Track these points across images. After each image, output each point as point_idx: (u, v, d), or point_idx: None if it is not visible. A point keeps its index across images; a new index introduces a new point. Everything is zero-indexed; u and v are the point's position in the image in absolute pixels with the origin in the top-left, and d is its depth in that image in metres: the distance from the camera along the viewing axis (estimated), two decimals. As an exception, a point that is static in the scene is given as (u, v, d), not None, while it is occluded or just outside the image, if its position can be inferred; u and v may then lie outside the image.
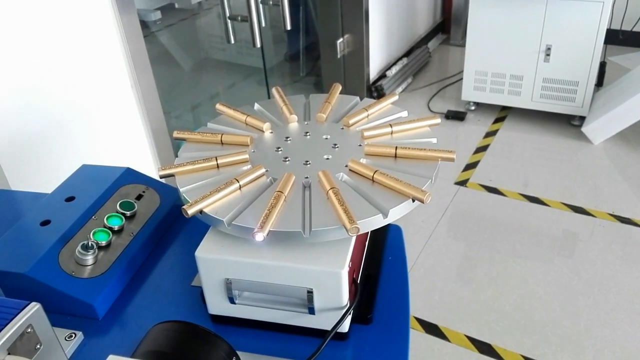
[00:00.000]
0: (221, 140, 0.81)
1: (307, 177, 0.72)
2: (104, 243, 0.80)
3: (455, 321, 1.82)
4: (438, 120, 0.83)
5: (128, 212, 0.85)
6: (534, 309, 1.85)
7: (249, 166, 0.75)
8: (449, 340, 1.76)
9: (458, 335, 1.78)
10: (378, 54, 3.18)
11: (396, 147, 0.75)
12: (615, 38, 3.14)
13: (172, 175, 0.74)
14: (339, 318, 0.67)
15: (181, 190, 0.71)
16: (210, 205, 0.68)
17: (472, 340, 1.76)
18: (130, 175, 0.91)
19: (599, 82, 2.95)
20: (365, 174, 0.71)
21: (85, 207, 0.83)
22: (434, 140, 0.80)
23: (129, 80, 1.60)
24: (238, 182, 0.70)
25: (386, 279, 0.79)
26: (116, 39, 1.54)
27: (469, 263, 2.07)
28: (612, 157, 2.65)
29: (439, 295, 1.93)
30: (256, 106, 0.91)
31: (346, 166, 0.73)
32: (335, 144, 0.79)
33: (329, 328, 0.68)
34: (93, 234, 0.79)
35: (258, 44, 1.71)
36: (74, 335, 0.72)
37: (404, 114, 0.87)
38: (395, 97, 0.89)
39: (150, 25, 2.99)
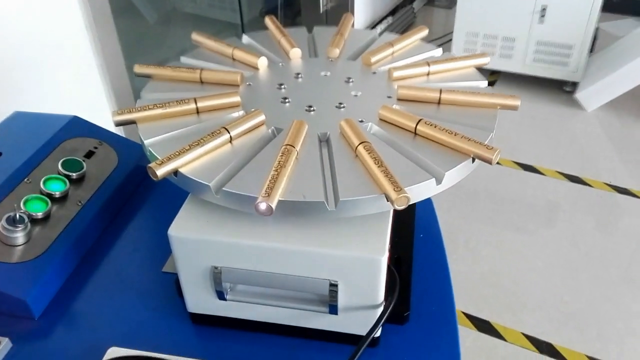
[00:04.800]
0: (200, 78, 0.60)
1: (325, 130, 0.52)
2: (40, 215, 0.62)
3: (450, 299, 1.69)
4: (487, 59, 0.64)
5: (74, 174, 0.67)
6: (534, 283, 1.73)
7: (242, 112, 0.55)
8: (444, 320, 1.63)
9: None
10: (362, 10, 2.97)
11: (440, 90, 0.56)
12: (609, 2, 3.01)
13: (132, 122, 0.53)
14: (368, 318, 0.49)
15: (146, 142, 0.51)
16: (189, 164, 0.48)
17: (470, 318, 1.64)
18: (77, 126, 0.70)
19: (591, 49, 2.83)
20: (405, 124, 0.52)
21: (14, 167, 0.64)
22: (484, 84, 0.61)
23: (82, 21, 1.35)
24: (228, 132, 0.50)
25: (420, 263, 0.61)
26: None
27: (464, 236, 1.93)
28: (605, 125, 2.55)
29: (432, 271, 1.79)
30: (245, 38, 0.70)
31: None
32: (356, 86, 0.60)
33: (354, 331, 0.51)
34: (24, 203, 0.61)
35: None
36: (-4, 344, 0.52)
37: (438, 52, 0.67)
38: (425, 32, 0.70)
39: (110, -29, 2.69)
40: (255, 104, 0.57)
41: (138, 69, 0.62)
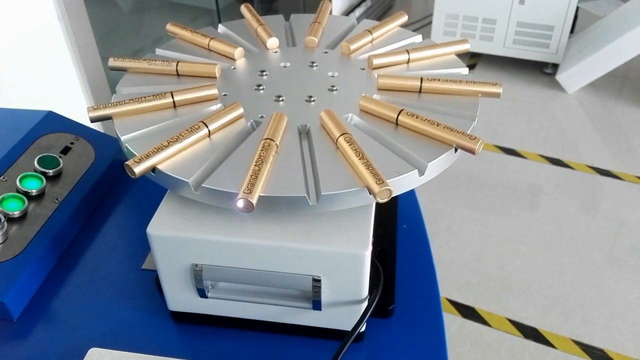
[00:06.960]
0: (177, 70, 0.59)
1: (304, 122, 0.51)
2: (16, 214, 0.60)
3: (435, 284, 1.69)
4: (467, 45, 0.63)
5: (50, 171, 0.64)
6: (518, 268, 1.74)
7: (220, 105, 0.54)
8: (430, 305, 1.63)
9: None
10: (342, -6, 2.93)
11: (421, 79, 0.55)
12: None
13: (108, 117, 0.52)
14: (352, 313, 0.48)
15: (123, 139, 0.49)
16: (167, 160, 0.47)
17: (455, 304, 1.64)
18: (53, 122, 0.68)
19: (571, 29, 2.83)
20: (386, 115, 0.51)
21: (-13, 165, 0.60)
22: (465, 71, 0.61)
23: (55, 11, 1.31)
24: (207, 126, 0.49)
25: (404, 254, 0.60)
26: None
27: (447, 221, 1.93)
28: (586, 107, 2.56)
29: (417, 256, 1.79)
30: (221, 28, 0.69)
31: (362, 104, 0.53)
32: (335, 76, 0.59)
33: (338, 327, 0.50)
34: (0, 202, 0.59)
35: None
36: (-28, 349, 0.50)
37: (417, 38, 0.67)
38: (404, 18, 0.69)
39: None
40: (233, 96, 0.55)
41: (113, 62, 0.60)
